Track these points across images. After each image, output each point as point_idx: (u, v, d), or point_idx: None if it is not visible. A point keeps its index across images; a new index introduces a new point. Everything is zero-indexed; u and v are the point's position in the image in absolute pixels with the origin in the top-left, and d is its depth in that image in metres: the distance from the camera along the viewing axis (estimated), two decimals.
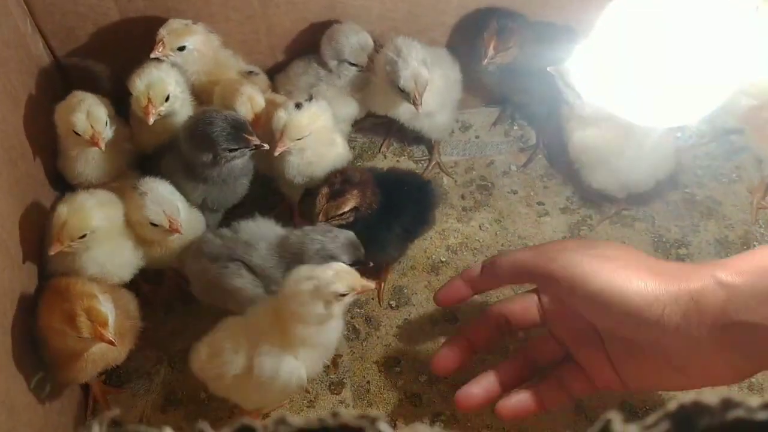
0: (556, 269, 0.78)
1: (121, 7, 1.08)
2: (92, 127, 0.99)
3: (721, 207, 1.23)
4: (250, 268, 0.97)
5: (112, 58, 1.15)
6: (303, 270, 0.85)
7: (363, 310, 1.13)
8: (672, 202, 1.24)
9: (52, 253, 0.94)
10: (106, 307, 0.87)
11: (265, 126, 1.05)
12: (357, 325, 1.12)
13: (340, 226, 0.99)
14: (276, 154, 1.02)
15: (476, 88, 1.26)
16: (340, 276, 0.83)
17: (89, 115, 0.99)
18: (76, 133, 0.99)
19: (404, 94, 1.08)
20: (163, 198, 0.97)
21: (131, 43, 1.10)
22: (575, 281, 0.75)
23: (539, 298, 0.92)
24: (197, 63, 1.09)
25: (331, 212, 0.98)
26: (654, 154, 1.12)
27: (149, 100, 1.01)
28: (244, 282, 0.96)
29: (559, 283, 0.79)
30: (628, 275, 0.72)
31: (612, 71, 0.68)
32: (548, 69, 0.75)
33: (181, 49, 1.07)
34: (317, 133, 1.04)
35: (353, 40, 1.09)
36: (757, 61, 0.64)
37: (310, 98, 1.04)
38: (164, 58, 1.06)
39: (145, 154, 1.11)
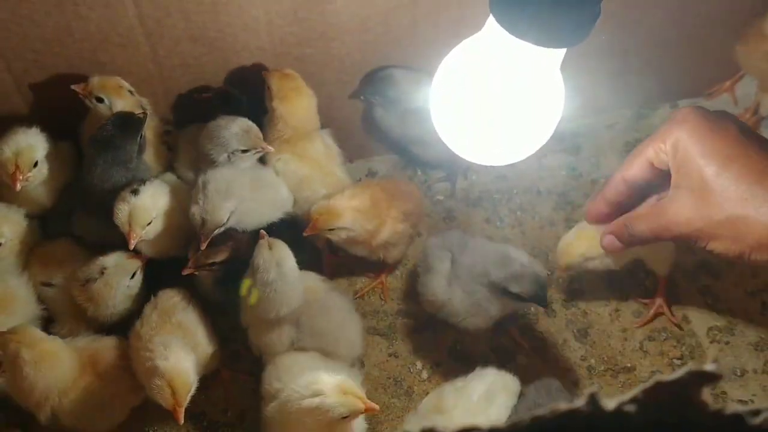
0: None
1: (16, 77, 1.09)
2: None
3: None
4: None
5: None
6: None
7: None
8: None
9: None
10: None
11: None
12: None
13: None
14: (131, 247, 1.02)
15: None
16: None
17: None
18: None
19: None
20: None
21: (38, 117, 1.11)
22: None
23: None
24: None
25: (200, 260, 1.02)
26: None
27: (17, 166, 1.02)
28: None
29: None
30: None
31: (451, 114, 0.77)
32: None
33: (99, 100, 1.08)
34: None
35: (234, 128, 1.07)
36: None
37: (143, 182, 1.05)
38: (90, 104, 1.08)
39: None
